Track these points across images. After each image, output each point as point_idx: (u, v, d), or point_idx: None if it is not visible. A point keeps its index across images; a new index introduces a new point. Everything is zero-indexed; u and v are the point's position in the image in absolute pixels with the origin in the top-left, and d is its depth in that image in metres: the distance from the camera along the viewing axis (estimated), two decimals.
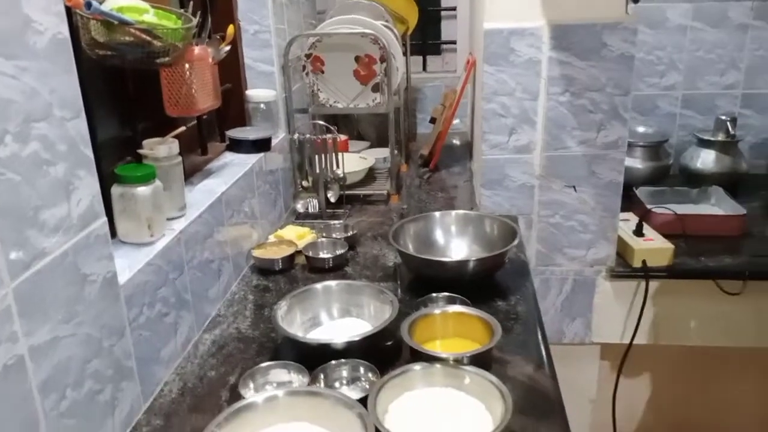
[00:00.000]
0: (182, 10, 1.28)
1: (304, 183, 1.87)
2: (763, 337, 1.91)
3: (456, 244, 1.57)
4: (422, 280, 1.44)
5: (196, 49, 1.33)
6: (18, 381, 0.74)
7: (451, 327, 1.18)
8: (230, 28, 1.50)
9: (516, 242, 1.43)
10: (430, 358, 1.05)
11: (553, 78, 1.71)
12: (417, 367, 1.03)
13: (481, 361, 1.07)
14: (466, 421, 0.95)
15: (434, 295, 1.32)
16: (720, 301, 1.87)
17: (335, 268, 1.55)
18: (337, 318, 1.29)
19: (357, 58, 1.94)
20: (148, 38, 1.11)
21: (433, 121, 2.51)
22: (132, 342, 1.00)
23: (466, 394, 1.00)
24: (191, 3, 1.34)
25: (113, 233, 1.10)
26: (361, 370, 1.11)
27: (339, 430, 0.92)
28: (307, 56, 1.95)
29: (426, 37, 2.96)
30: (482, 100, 1.80)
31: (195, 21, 1.25)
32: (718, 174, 2.33)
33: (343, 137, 2.18)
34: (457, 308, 1.22)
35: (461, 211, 1.63)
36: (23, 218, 0.75)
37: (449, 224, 1.59)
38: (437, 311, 1.20)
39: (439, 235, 1.59)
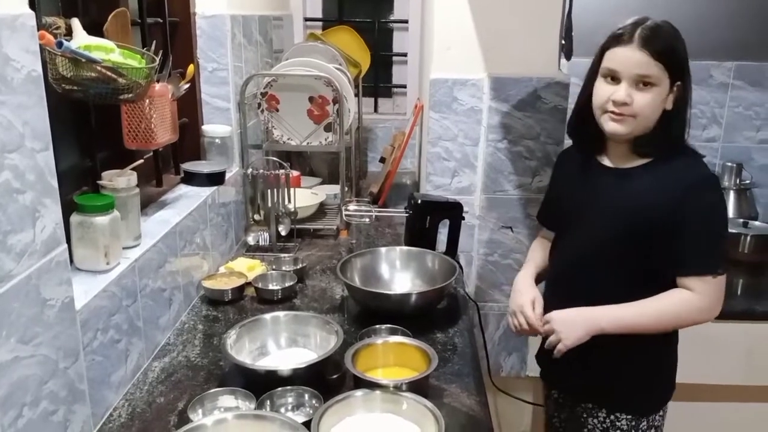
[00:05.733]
0: (145, 50, 1.35)
1: (256, 216, 1.93)
2: None
3: (400, 278, 1.66)
4: (368, 312, 1.52)
5: (157, 86, 1.39)
6: None
7: (391, 356, 1.26)
8: (190, 68, 1.57)
9: (455, 277, 1.53)
10: (371, 385, 1.12)
11: (493, 126, 1.84)
12: (358, 393, 1.10)
13: (419, 388, 1.14)
14: None
15: (377, 326, 1.40)
16: None
17: (284, 300, 1.61)
18: (285, 347, 1.35)
19: (311, 99, 2.03)
20: (113, 75, 1.17)
21: (382, 160, 2.62)
22: (85, 365, 1.04)
23: (403, 419, 1.08)
24: (154, 42, 1.41)
25: (70, 259, 1.13)
26: (306, 396, 1.17)
27: None
28: (263, 94, 2.03)
29: (378, 80, 3.09)
30: (427, 144, 1.91)
31: (158, 60, 1.32)
32: None
33: (295, 173, 2.25)
34: (398, 339, 1.30)
35: (405, 247, 1.72)
36: None
37: (394, 259, 1.68)
38: (379, 341, 1.28)
39: (384, 270, 1.67)
